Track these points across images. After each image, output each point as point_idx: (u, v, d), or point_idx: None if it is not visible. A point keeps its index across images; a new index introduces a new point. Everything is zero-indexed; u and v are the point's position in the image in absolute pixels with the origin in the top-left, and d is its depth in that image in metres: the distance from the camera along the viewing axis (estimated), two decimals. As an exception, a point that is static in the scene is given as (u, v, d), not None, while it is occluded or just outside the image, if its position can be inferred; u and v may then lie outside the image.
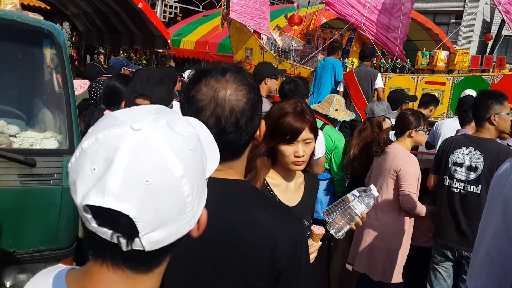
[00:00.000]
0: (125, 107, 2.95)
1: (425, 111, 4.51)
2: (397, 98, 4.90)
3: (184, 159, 0.69)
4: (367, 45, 7.76)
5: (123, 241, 0.67)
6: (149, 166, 0.66)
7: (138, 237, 0.67)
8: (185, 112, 1.17)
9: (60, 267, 0.80)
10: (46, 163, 2.48)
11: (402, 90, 5.25)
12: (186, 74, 7.04)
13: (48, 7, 16.17)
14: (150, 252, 0.69)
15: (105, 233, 0.67)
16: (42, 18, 2.89)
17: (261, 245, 1.15)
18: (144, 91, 2.44)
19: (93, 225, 0.67)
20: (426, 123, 3.52)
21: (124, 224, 0.66)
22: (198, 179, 0.73)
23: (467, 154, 3.10)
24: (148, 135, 0.67)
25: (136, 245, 0.68)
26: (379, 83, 6.70)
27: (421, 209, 3.34)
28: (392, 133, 3.71)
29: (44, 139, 2.60)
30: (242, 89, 1.17)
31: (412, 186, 3.28)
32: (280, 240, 1.15)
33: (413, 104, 5.50)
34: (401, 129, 3.45)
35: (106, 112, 3.16)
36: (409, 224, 3.43)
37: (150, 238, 0.68)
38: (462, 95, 5.58)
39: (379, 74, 6.83)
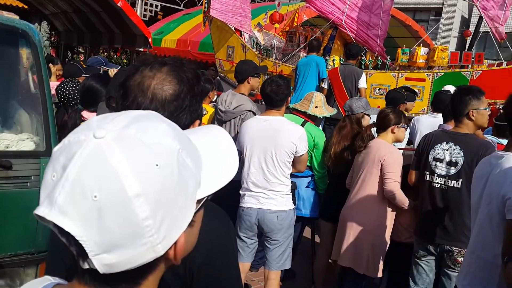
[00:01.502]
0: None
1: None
2: (395, 97, 4.90)
3: (145, 175, 0.61)
4: (352, 43, 7.80)
5: (76, 257, 0.62)
6: (98, 180, 0.59)
7: (88, 257, 0.61)
8: (117, 95, 1.18)
9: (47, 280, 0.76)
10: (22, 165, 2.43)
11: (401, 90, 5.24)
12: None
13: (25, 7, 15.88)
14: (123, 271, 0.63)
15: (67, 243, 0.62)
16: (17, 17, 2.83)
17: None
18: (114, 93, 2.40)
19: (57, 234, 0.62)
20: (406, 120, 3.65)
21: (72, 241, 0.61)
22: (168, 200, 0.63)
23: (447, 150, 3.13)
24: (106, 144, 0.61)
25: (91, 265, 0.61)
26: (362, 82, 6.78)
27: (404, 199, 3.41)
28: (373, 130, 3.75)
29: (20, 140, 2.54)
30: (171, 81, 1.15)
31: (396, 174, 3.39)
32: None
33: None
34: (382, 126, 3.58)
35: (84, 112, 3.10)
36: (391, 217, 3.50)
37: (102, 260, 0.61)
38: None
39: (364, 74, 6.88)
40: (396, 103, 4.74)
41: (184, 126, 1.16)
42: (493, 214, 2.14)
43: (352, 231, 3.49)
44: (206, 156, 0.73)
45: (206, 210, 0.78)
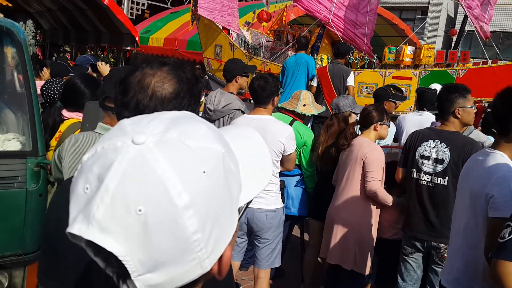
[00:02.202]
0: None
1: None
2: (379, 94, 4.93)
3: (193, 184, 0.55)
4: (340, 42, 7.84)
5: (115, 279, 0.56)
6: (143, 191, 0.53)
7: (130, 278, 0.54)
8: (116, 91, 1.19)
9: None
10: (8, 165, 2.40)
11: (388, 88, 5.25)
12: None
13: (10, 5, 15.65)
14: None
15: (101, 264, 0.56)
16: (2, 15, 2.80)
17: None
18: (111, 92, 2.38)
19: (89, 253, 0.56)
20: (389, 117, 3.70)
21: (113, 261, 0.54)
22: (216, 210, 0.57)
23: (433, 147, 3.17)
24: (149, 150, 0.54)
25: (131, 287, 0.55)
26: (350, 81, 6.84)
27: (386, 197, 3.44)
28: (357, 128, 3.78)
29: (6, 140, 2.51)
30: (171, 80, 1.17)
31: (376, 172, 3.41)
32: None
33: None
34: (365, 123, 3.62)
35: (64, 111, 3.04)
36: (376, 214, 3.53)
37: (146, 281, 0.55)
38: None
39: (352, 72, 6.93)
40: (380, 99, 4.77)
41: None
42: (478, 211, 2.17)
43: (339, 229, 3.52)
44: (241, 158, 0.67)
45: None
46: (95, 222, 0.52)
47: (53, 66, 5.37)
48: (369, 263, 3.50)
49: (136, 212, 0.52)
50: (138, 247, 0.53)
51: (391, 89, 5.12)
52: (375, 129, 3.58)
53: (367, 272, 3.50)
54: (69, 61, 5.83)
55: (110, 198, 0.52)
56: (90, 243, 0.54)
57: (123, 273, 0.54)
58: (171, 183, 0.53)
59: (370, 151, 3.46)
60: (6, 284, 2.46)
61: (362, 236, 3.48)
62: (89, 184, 0.54)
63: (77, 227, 0.54)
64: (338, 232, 3.53)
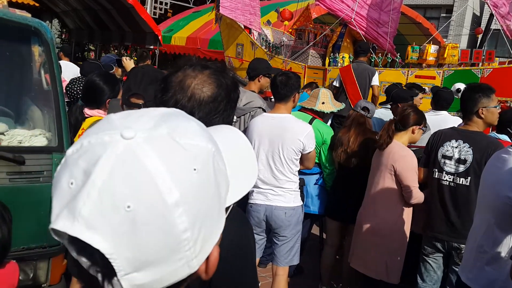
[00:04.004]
0: (121, 105, 2.92)
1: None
2: (403, 96, 4.78)
3: (183, 181, 0.53)
4: (361, 40, 7.77)
5: (100, 279, 0.53)
6: (132, 187, 0.51)
7: (116, 277, 0.52)
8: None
9: None
10: (35, 160, 2.47)
11: (400, 85, 5.14)
12: None
13: (37, 4, 16.03)
14: None
15: (85, 264, 0.54)
16: (29, 15, 2.87)
17: None
18: (137, 90, 2.43)
19: (72, 253, 0.54)
20: (425, 122, 3.52)
21: (98, 260, 0.52)
22: (205, 209, 0.56)
23: (456, 147, 3.12)
24: (138, 146, 0.52)
25: (116, 286, 0.53)
26: (375, 80, 6.75)
27: (421, 197, 3.33)
28: None
29: (33, 136, 2.59)
30: (211, 83, 1.20)
31: (412, 179, 3.28)
32: None
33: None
34: (403, 124, 3.43)
35: (85, 110, 3.10)
36: (407, 218, 3.39)
37: (132, 280, 0.52)
38: (451, 89, 5.61)
39: (377, 71, 6.85)
40: (401, 101, 4.63)
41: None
42: (500, 212, 2.14)
43: (367, 236, 3.42)
44: (229, 159, 0.66)
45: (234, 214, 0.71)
46: (81, 218, 0.50)
47: (85, 65, 5.50)
48: (399, 272, 3.36)
49: (124, 209, 0.50)
50: (126, 245, 0.51)
51: (403, 86, 5.03)
52: (412, 132, 3.42)
53: (398, 281, 3.37)
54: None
55: (97, 194, 0.50)
56: (73, 240, 0.52)
57: (109, 272, 0.52)
58: (162, 179, 0.52)
59: (399, 159, 3.30)
60: (31, 276, 2.53)
61: (392, 243, 3.35)
62: (74, 179, 0.52)
63: (61, 223, 0.51)
64: (366, 238, 3.43)
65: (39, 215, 2.47)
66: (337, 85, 6.88)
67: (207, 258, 0.60)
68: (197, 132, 0.59)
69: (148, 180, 0.51)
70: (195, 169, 0.55)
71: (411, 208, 3.41)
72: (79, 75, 6.14)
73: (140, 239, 0.51)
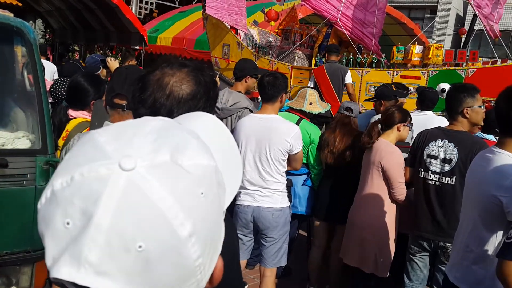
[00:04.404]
0: (105, 106, 2.88)
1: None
2: (385, 94, 4.83)
3: (193, 209, 0.50)
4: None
5: None
6: (141, 226, 0.47)
7: None
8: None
9: None
10: (18, 163, 2.43)
11: (390, 86, 5.17)
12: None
13: (20, 4, 15.79)
14: None
15: None
16: (12, 15, 2.82)
17: None
18: (121, 90, 2.40)
19: None
20: (411, 119, 3.62)
21: None
22: (212, 228, 0.54)
23: (441, 147, 3.15)
24: (142, 178, 0.48)
25: None
26: (348, 78, 6.95)
27: (405, 193, 3.45)
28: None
29: (16, 138, 2.54)
30: (189, 81, 1.19)
31: (399, 176, 3.38)
32: None
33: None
34: (388, 123, 3.54)
35: (70, 111, 3.06)
36: (395, 215, 3.50)
37: None
38: (436, 89, 5.67)
39: (349, 70, 7.01)
40: (385, 99, 4.68)
41: None
42: (485, 211, 2.16)
43: (358, 232, 3.51)
44: (220, 160, 0.62)
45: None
46: (88, 265, 0.46)
47: (66, 66, 5.43)
48: (388, 266, 3.47)
49: (136, 250, 0.47)
50: (138, 284, 0.48)
51: (393, 86, 5.08)
52: (398, 130, 3.51)
53: (387, 275, 3.48)
54: (81, 62, 5.89)
55: (104, 238, 0.46)
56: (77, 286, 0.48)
57: None
58: (172, 213, 0.48)
59: (386, 156, 3.40)
60: (15, 281, 2.49)
61: (382, 239, 3.45)
62: (71, 218, 0.47)
63: (65, 271, 0.47)
64: (357, 234, 3.51)
65: (22, 219, 2.42)
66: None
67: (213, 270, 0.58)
68: (196, 148, 0.55)
69: (158, 216, 0.48)
70: (202, 193, 0.52)
71: (397, 205, 3.48)
72: (56, 72, 6.03)
73: (153, 276, 0.48)
